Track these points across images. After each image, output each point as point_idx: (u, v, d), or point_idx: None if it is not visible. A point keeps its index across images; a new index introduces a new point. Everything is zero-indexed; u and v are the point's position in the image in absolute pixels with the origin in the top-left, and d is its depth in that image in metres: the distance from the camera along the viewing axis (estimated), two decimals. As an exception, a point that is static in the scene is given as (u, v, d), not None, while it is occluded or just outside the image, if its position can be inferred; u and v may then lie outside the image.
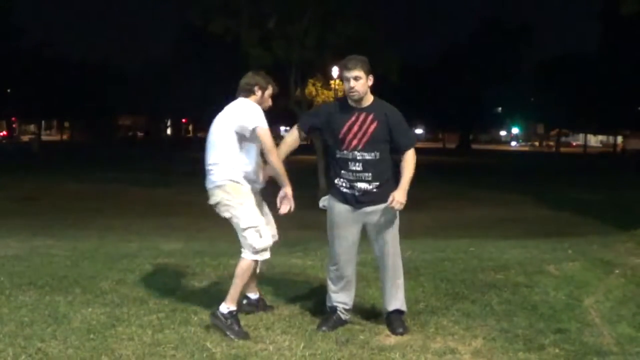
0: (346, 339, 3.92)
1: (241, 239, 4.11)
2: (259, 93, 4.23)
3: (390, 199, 3.97)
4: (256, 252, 4.08)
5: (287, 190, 4.13)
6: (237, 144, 4.09)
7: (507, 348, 3.80)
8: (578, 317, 4.40)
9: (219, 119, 4.20)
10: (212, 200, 4.16)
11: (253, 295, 4.49)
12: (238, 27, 17.54)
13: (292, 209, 4.17)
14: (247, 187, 4.13)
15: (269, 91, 4.29)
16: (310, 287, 5.20)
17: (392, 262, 4.17)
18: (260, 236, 4.06)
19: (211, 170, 4.14)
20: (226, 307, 4.00)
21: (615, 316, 4.43)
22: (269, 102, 4.32)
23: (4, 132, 68.99)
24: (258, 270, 4.30)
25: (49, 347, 3.69)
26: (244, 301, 4.43)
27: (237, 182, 4.09)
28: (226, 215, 4.13)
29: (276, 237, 4.39)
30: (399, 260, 4.21)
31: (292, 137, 4.29)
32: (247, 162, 4.13)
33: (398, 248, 4.20)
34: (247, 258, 4.09)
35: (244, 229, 4.06)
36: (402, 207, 4.01)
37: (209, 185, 4.18)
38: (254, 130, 4.01)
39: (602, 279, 5.48)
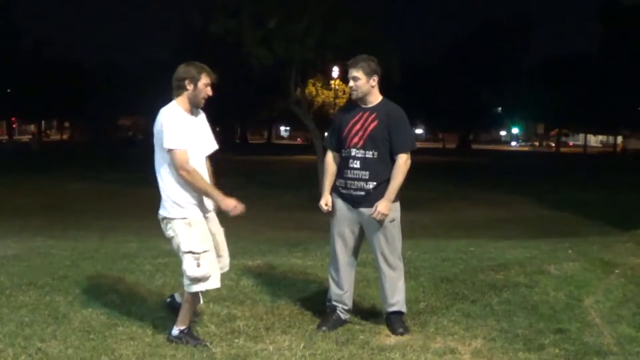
0: (346, 339, 3.92)
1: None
2: (190, 87, 3.78)
3: (373, 209, 4.00)
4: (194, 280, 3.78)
5: (222, 204, 3.75)
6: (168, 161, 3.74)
7: (507, 348, 3.80)
8: (578, 317, 4.40)
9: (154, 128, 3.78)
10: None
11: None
12: (238, 27, 17.53)
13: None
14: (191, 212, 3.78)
15: (204, 81, 3.79)
16: (310, 287, 5.20)
17: (391, 263, 4.16)
18: (199, 265, 3.76)
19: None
20: (177, 329, 3.86)
21: (615, 316, 4.43)
22: (208, 92, 3.83)
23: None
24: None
25: (49, 347, 3.69)
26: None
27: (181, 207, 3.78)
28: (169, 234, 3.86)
29: (226, 268, 4.12)
30: (399, 262, 4.20)
31: (328, 160, 4.29)
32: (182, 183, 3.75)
33: (398, 249, 4.20)
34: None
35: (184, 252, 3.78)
36: (384, 217, 4.01)
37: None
38: (168, 152, 3.68)
39: (602, 279, 5.48)
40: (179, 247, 3.78)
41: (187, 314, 3.90)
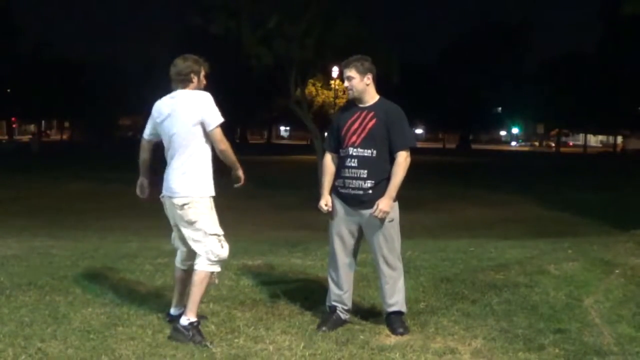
0: (346, 339, 3.92)
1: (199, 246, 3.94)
2: (195, 80, 3.98)
3: (375, 206, 4.01)
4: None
5: (239, 172, 4.04)
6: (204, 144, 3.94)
7: (507, 348, 3.80)
8: (578, 317, 4.40)
9: (174, 111, 3.92)
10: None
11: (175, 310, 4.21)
12: (238, 27, 17.53)
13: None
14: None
15: (203, 72, 4.05)
16: (310, 287, 5.20)
17: (390, 263, 4.16)
18: (222, 246, 3.93)
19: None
20: (186, 319, 3.86)
21: (615, 316, 4.43)
22: (204, 83, 4.07)
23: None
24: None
25: (49, 347, 3.69)
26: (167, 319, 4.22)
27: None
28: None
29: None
30: (398, 262, 4.20)
31: (326, 161, 4.31)
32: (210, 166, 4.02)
33: (398, 249, 4.20)
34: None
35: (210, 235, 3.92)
36: (385, 215, 4.02)
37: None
38: (215, 128, 3.87)
39: (602, 279, 5.48)
40: (203, 230, 3.88)
41: (197, 299, 3.90)
